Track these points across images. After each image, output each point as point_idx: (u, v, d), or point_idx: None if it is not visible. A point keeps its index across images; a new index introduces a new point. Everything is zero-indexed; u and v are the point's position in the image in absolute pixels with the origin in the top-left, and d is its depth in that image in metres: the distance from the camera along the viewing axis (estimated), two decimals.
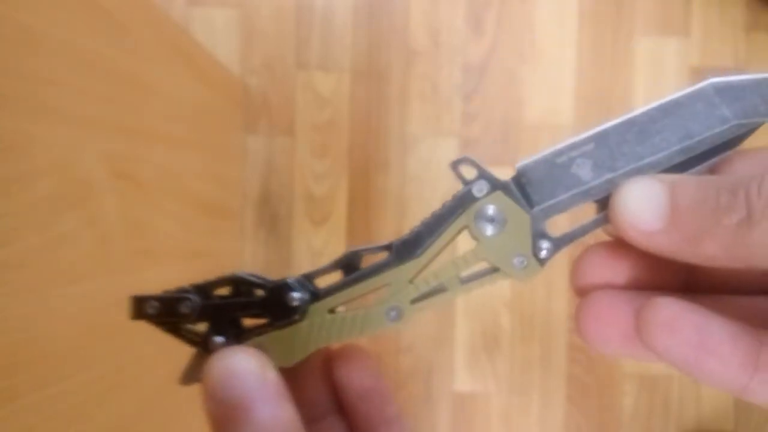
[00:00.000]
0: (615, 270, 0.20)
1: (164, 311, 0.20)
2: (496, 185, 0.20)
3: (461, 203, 0.20)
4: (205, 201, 0.67)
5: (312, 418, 0.23)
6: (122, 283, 0.43)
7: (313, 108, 0.84)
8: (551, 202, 0.20)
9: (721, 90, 0.19)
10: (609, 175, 0.19)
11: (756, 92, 0.19)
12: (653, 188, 0.17)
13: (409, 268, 0.20)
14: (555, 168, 0.19)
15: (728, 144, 0.19)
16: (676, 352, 0.17)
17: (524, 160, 0.20)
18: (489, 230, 0.20)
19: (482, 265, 0.20)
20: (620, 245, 0.19)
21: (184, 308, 0.20)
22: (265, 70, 0.84)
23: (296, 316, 0.20)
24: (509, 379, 0.85)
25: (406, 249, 0.20)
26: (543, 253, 0.20)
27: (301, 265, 0.84)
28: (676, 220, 0.17)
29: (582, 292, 0.20)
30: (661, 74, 0.84)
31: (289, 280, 0.20)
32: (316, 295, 0.20)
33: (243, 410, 0.18)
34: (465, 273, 0.20)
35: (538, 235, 0.20)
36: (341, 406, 0.23)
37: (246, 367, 0.18)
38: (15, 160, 0.30)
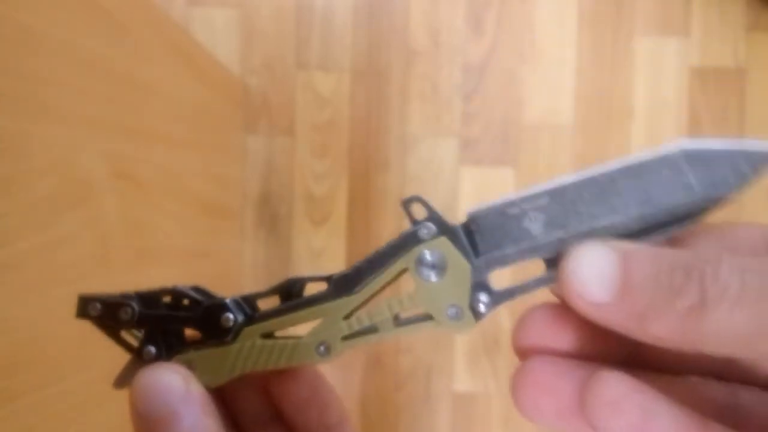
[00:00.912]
0: (559, 335, 0.19)
1: (105, 314, 0.20)
2: (442, 230, 0.19)
3: (405, 244, 0.19)
4: (205, 201, 0.67)
5: (252, 427, 0.23)
6: (122, 283, 0.43)
7: (313, 108, 0.84)
8: (497, 254, 0.19)
9: (692, 157, 0.17)
10: (560, 234, 0.18)
11: (728, 163, 0.17)
12: (605, 258, 0.16)
13: (344, 304, 0.20)
14: (506, 219, 0.19)
15: (691, 215, 0.18)
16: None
17: (476, 207, 0.19)
18: (428, 276, 0.19)
19: (418, 309, 0.20)
20: (566, 308, 0.18)
21: (124, 314, 0.20)
22: (265, 70, 0.84)
23: (227, 338, 0.20)
24: (509, 379, 0.85)
25: (344, 283, 0.20)
26: (480, 307, 0.19)
27: (301, 265, 0.84)
28: (626, 296, 0.16)
29: (522, 354, 0.19)
30: (661, 74, 0.84)
31: (227, 301, 0.20)
32: (252, 318, 0.20)
33: (164, 424, 0.18)
34: (402, 315, 0.20)
35: (479, 287, 0.19)
36: (280, 415, 0.23)
37: (169, 382, 0.18)
38: (15, 160, 0.30)
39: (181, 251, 0.58)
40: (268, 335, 0.20)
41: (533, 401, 0.19)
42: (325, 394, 0.23)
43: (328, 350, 0.20)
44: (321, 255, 0.84)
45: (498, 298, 0.19)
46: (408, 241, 0.19)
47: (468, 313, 0.19)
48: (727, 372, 0.18)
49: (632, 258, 0.16)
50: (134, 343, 0.21)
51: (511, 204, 0.19)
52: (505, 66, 0.85)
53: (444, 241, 0.19)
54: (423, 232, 0.19)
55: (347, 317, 0.20)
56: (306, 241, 0.84)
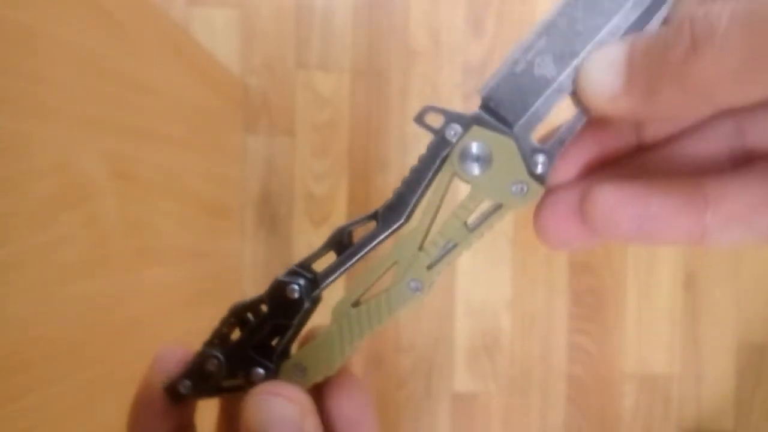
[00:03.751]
0: (569, 163, 0.19)
1: (197, 381, 0.20)
2: (468, 122, 0.19)
3: (438, 152, 0.19)
4: (205, 201, 0.67)
5: None
6: (122, 283, 0.43)
7: (313, 108, 0.84)
8: (528, 113, 0.18)
9: None
10: (574, 62, 0.18)
11: None
12: (611, 52, 0.17)
13: (411, 236, 0.19)
14: (518, 78, 0.18)
15: None
16: (625, 237, 0.17)
17: (485, 84, 0.19)
18: (477, 169, 0.19)
19: (484, 206, 0.20)
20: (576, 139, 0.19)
21: (212, 366, 0.20)
22: (265, 70, 0.84)
23: (307, 304, 0.20)
24: (509, 379, 0.85)
25: (391, 213, 0.19)
26: (539, 168, 0.18)
27: None
28: (633, 74, 0.16)
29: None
30: None
31: (279, 278, 0.20)
32: (314, 279, 0.20)
33: None
34: (470, 220, 0.20)
35: (529, 152, 0.19)
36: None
37: (285, 416, 0.18)
38: (15, 160, 0.30)
39: (181, 251, 0.58)
40: (357, 302, 0.20)
41: (555, 229, 0.19)
42: (373, 418, 0.22)
43: (420, 285, 0.20)
44: None
45: (551, 152, 0.19)
46: (440, 148, 0.19)
47: (533, 183, 0.19)
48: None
49: (635, 40, 0.16)
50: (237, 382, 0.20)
51: (515, 62, 0.18)
52: None
53: (477, 130, 0.19)
54: (450, 134, 0.19)
55: (422, 247, 0.19)
56: (306, 241, 0.84)
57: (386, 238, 0.20)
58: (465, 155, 0.19)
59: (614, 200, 0.17)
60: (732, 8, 0.14)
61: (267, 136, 0.85)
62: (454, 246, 0.20)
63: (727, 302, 0.86)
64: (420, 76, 0.84)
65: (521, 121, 0.18)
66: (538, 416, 0.85)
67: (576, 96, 0.18)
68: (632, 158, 0.20)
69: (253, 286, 0.84)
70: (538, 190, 0.19)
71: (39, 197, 0.32)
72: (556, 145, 0.19)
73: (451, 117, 0.19)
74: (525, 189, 0.19)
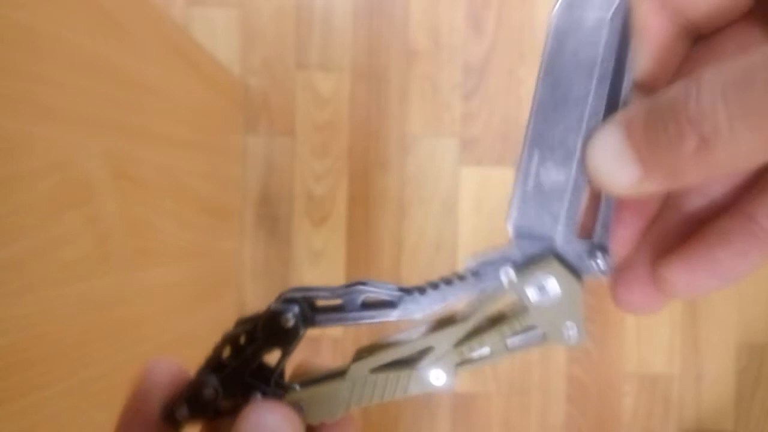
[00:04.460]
0: (621, 242, 0.20)
1: (194, 409, 0.20)
2: (519, 264, 0.19)
3: (490, 279, 0.19)
4: (205, 201, 0.67)
5: None
6: (122, 283, 0.43)
7: (313, 108, 0.84)
8: (561, 221, 0.18)
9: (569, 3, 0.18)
10: (574, 160, 0.18)
11: None
12: (608, 143, 0.17)
13: (453, 332, 0.20)
14: (534, 196, 0.18)
15: (624, 39, 0.18)
16: (709, 291, 0.18)
17: (509, 216, 0.19)
18: (538, 296, 0.19)
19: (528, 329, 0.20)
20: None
21: (208, 393, 0.20)
22: (265, 70, 0.84)
23: (301, 333, 0.20)
24: (509, 379, 0.85)
25: (413, 303, 0.19)
26: (602, 266, 0.19)
27: (301, 265, 0.84)
28: (646, 160, 0.16)
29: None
30: None
31: (272, 307, 0.20)
32: (312, 308, 0.20)
33: None
34: (510, 342, 0.20)
35: (582, 253, 0.19)
36: None
37: (278, 429, 0.18)
38: (15, 160, 0.30)
39: (181, 251, 0.58)
40: (377, 368, 0.20)
41: (636, 305, 0.20)
42: None
43: (443, 378, 0.20)
44: (321, 255, 0.84)
45: (602, 243, 0.19)
46: (498, 291, 0.19)
47: (582, 330, 0.19)
48: None
49: (627, 123, 0.16)
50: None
51: (523, 182, 0.18)
52: (505, 66, 0.85)
53: (556, 266, 0.19)
54: (503, 278, 0.19)
55: (458, 345, 0.20)
56: (306, 241, 0.84)
57: (438, 333, 0.20)
58: (533, 283, 0.19)
59: (685, 274, 0.18)
60: (723, 96, 0.14)
61: (267, 136, 0.85)
62: (488, 356, 0.20)
63: (727, 303, 0.86)
64: (420, 76, 0.84)
65: (559, 231, 0.19)
66: (538, 416, 0.85)
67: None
68: (668, 208, 0.20)
69: (252, 286, 0.84)
70: (585, 340, 0.19)
71: (39, 197, 0.32)
72: (603, 234, 0.19)
73: (500, 262, 0.19)
74: (575, 333, 0.19)
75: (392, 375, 0.20)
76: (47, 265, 0.33)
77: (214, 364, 0.20)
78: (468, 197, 0.84)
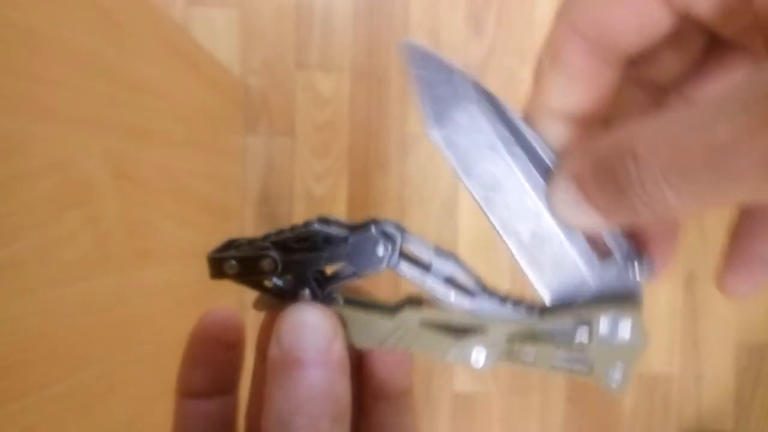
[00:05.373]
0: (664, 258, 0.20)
1: (244, 270, 0.20)
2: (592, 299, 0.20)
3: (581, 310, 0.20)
4: (205, 201, 0.67)
5: None
6: (122, 283, 0.43)
7: (313, 108, 0.84)
8: (581, 267, 0.19)
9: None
10: (543, 214, 0.19)
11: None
12: (565, 199, 0.18)
13: (512, 323, 0.20)
14: (540, 256, 0.20)
15: (501, 107, 0.20)
16: None
17: (543, 295, 0.20)
18: (605, 332, 0.19)
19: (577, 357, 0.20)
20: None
21: (267, 266, 0.19)
22: (265, 70, 0.84)
23: (383, 266, 0.19)
24: (509, 379, 0.85)
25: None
26: (645, 271, 0.19)
27: None
28: (606, 210, 0.17)
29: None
30: None
31: (374, 230, 0.19)
32: (400, 253, 0.20)
33: (299, 365, 0.18)
34: (555, 361, 0.20)
35: (623, 275, 0.19)
36: (361, 400, 0.23)
37: (319, 326, 0.18)
38: (15, 160, 0.30)
39: (181, 251, 0.58)
40: (424, 323, 0.20)
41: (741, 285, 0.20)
42: (413, 396, 0.23)
43: (482, 361, 0.20)
44: None
45: (638, 258, 0.19)
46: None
47: (628, 377, 0.20)
48: None
49: (581, 179, 0.17)
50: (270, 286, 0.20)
51: (528, 264, 0.20)
52: (505, 66, 0.85)
53: (635, 313, 0.19)
54: (583, 337, 0.20)
55: (511, 339, 0.20)
56: None
57: (501, 316, 0.20)
58: (608, 320, 0.19)
59: (744, 275, 0.19)
60: (662, 172, 0.14)
61: (267, 136, 0.85)
62: (530, 363, 0.20)
63: (727, 302, 0.86)
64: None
65: (584, 271, 0.19)
66: (538, 416, 0.85)
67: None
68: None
69: None
70: (621, 391, 0.20)
71: (39, 197, 0.32)
72: (621, 244, 0.19)
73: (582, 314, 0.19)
74: (619, 378, 0.20)
75: (439, 336, 0.20)
76: (47, 265, 0.33)
77: (282, 243, 0.20)
78: (468, 197, 0.84)
